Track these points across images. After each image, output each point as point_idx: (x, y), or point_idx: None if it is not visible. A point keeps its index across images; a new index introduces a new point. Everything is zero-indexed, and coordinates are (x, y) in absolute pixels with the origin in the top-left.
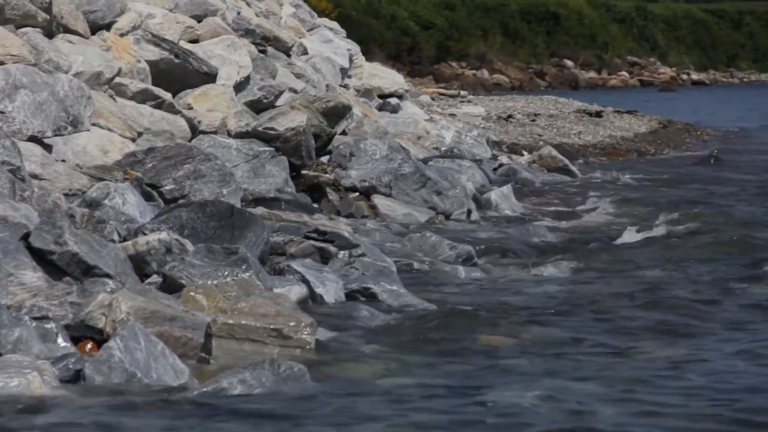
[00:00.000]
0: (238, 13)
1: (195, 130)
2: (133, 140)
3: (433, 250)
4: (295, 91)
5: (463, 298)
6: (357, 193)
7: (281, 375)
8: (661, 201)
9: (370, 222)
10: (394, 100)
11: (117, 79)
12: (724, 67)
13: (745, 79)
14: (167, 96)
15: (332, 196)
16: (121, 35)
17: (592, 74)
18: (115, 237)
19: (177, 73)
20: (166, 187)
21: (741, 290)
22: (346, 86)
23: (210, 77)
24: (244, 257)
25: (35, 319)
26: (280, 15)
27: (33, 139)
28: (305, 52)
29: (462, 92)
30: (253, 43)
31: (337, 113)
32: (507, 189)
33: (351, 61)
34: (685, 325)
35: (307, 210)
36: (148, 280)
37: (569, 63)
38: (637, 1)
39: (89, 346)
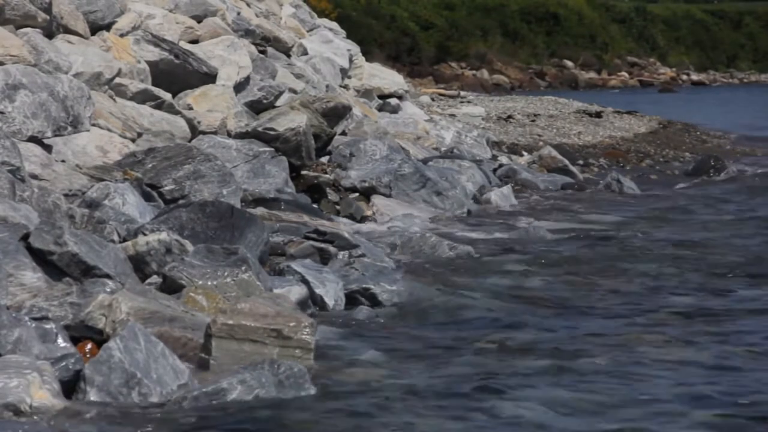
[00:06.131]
0: (238, 14)
1: (195, 131)
2: (133, 140)
3: (432, 250)
4: (294, 92)
5: (463, 298)
6: (357, 194)
7: (281, 376)
8: (663, 203)
9: (369, 222)
10: (393, 101)
11: (117, 80)
12: (724, 68)
13: (745, 80)
14: (167, 96)
15: (332, 196)
16: (121, 36)
17: (592, 75)
18: (115, 237)
19: (177, 74)
20: (166, 188)
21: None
22: (345, 87)
23: (210, 77)
24: (244, 258)
25: (35, 319)
26: (280, 15)
27: (33, 139)
28: (305, 53)
29: (462, 93)
30: (253, 43)
31: (336, 113)
32: (507, 189)
33: (351, 61)
34: (689, 328)
35: (307, 210)
36: (148, 280)
37: (569, 63)
38: (637, 2)
39: (89, 346)
